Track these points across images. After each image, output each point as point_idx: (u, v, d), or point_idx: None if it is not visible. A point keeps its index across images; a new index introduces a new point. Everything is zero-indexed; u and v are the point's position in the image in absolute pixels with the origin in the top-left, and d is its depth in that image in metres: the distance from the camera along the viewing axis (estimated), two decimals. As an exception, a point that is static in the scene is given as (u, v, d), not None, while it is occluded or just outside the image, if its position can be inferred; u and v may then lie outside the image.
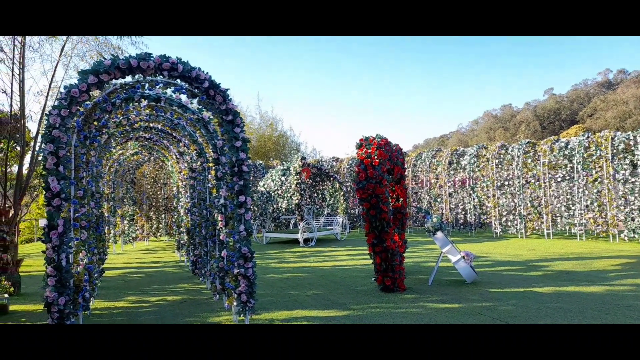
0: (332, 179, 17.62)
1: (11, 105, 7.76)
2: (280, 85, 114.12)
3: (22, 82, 7.75)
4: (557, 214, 14.86)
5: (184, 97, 6.19)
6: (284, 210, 16.77)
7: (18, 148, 9.09)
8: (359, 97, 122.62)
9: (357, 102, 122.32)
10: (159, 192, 17.49)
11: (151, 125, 7.90)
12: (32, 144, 9.08)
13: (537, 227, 15.28)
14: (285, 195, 16.26)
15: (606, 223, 13.19)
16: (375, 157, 7.00)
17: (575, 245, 12.41)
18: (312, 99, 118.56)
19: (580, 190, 13.80)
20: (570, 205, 14.44)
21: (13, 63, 7.61)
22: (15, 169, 11.24)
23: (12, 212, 8.09)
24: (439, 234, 7.85)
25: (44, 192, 4.43)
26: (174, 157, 10.57)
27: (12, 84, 7.65)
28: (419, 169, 19.14)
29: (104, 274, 8.61)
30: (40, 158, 8.23)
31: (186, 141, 8.40)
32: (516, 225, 15.42)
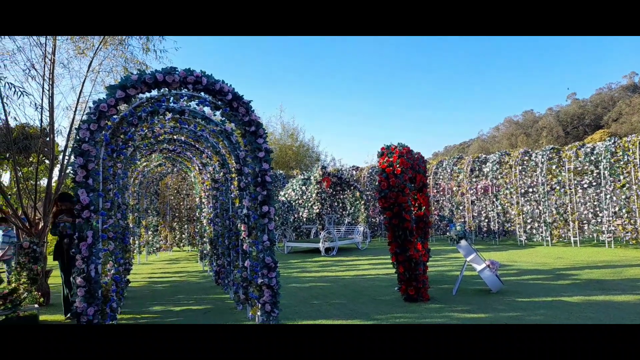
0: (352, 187, 17.59)
1: (41, 120, 8.01)
2: (300, 94, 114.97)
3: (51, 98, 7.99)
4: (584, 221, 14.51)
5: (207, 109, 6.29)
6: (304, 219, 16.80)
7: (47, 162, 9.35)
8: (378, 105, 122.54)
9: (376, 110, 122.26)
10: (181, 203, 17.74)
11: (175, 137, 8.04)
12: (60, 157, 9.33)
13: (563, 235, 14.94)
14: (306, 204, 16.29)
15: (635, 230, 12.82)
16: (397, 166, 6.97)
17: (604, 253, 12.09)
18: (331, 107, 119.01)
19: (608, 196, 13.45)
20: (598, 212, 14.10)
21: (43, 80, 7.87)
22: (44, 182, 11.57)
23: (41, 224, 8.31)
24: (463, 242, 7.76)
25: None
26: (197, 168, 10.72)
27: (42, 99, 7.91)
28: (440, 177, 18.96)
29: (129, 284, 8.75)
30: (68, 171, 8.46)
31: (209, 152, 8.52)
32: (541, 232, 15.11)
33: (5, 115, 7.55)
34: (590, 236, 14.88)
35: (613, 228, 13.46)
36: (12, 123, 8.39)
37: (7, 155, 11.01)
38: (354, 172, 22.12)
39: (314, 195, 15.98)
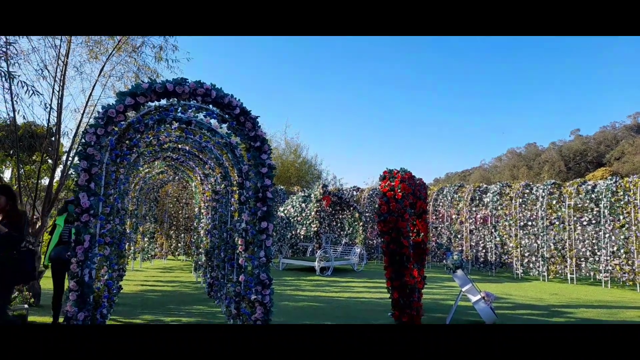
0: (352, 208, 17.58)
1: (49, 120, 8.07)
2: (307, 110, 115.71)
3: (60, 99, 8.06)
4: (582, 259, 14.44)
5: (213, 121, 6.33)
6: (302, 237, 16.74)
7: (50, 161, 9.37)
8: (381, 128, 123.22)
9: (379, 132, 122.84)
10: (180, 212, 17.71)
11: (179, 146, 8.08)
12: (64, 158, 9.35)
13: (560, 271, 14.84)
14: (305, 222, 16.26)
15: (633, 271, 12.75)
16: (399, 190, 6.97)
17: (600, 293, 12.00)
18: (334, 127, 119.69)
19: (607, 235, 13.42)
20: (596, 250, 14.03)
21: (55, 81, 7.94)
22: (45, 181, 11.58)
23: (39, 223, 8.29)
24: (459, 272, 7.72)
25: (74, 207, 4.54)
26: (199, 178, 10.74)
27: (51, 100, 7.96)
28: (440, 204, 18.96)
29: (121, 291, 8.69)
30: (71, 172, 8.48)
31: (212, 164, 8.54)
32: (538, 267, 15.02)
33: (14, 112, 7.60)
34: (587, 274, 14.77)
35: (610, 268, 13.39)
36: (19, 121, 8.44)
37: (11, 152, 11.05)
38: (355, 193, 22.13)
39: (313, 213, 15.96)
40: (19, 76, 7.13)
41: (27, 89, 7.11)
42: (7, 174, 13.60)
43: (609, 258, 13.38)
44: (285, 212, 16.85)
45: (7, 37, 7.27)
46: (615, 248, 13.22)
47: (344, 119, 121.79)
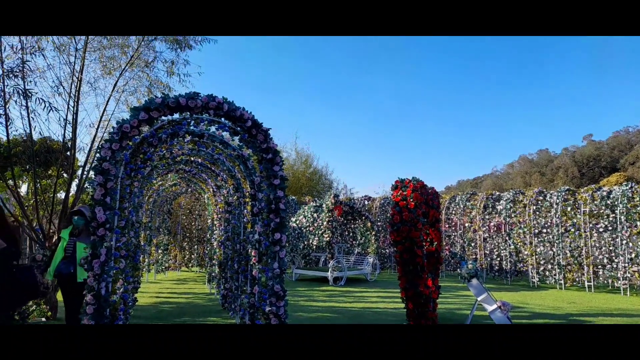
0: (364, 217, 17.52)
1: (64, 135, 8.20)
2: (315, 122, 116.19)
3: (75, 114, 8.20)
4: (599, 266, 14.18)
5: (225, 134, 6.39)
6: (314, 247, 16.71)
7: (66, 175, 9.50)
8: (392, 137, 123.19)
9: (390, 141, 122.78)
10: (193, 223, 17.80)
11: (192, 159, 8.15)
12: (79, 172, 9.49)
13: (577, 279, 14.57)
14: (317, 232, 16.24)
15: (653, 278, 12.49)
16: (411, 200, 6.95)
17: (619, 300, 11.77)
18: (344, 137, 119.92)
19: (624, 242, 13.18)
20: (613, 257, 13.78)
21: (69, 97, 8.09)
22: (61, 195, 11.75)
23: (55, 237, 8.39)
24: (474, 281, 7.64)
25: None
26: (211, 190, 10.81)
27: (66, 115, 8.12)
28: (453, 212, 18.81)
29: (136, 303, 8.74)
30: (86, 186, 8.59)
31: (224, 175, 8.60)
32: (554, 275, 14.78)
33: (30, 128, 7.75)
34: (605, 282, 14.49)
35: (629, 275, 13.13)
36: (35, 136, 8.61)
37: (28, 167, 11.24)
38: (366, 202, 22.06)
39: (325, 223, 15.94)
40: (36, 93, 7.30)
41: (45, 105, 7.27)
42: (23, 189, 13.83)
43: (627, 265, 13.13)
44: (297, 222, 16.86)
45: (24, 56, 7.46)
46: (633, 255, 12.98)
47: (354, 129, 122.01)
